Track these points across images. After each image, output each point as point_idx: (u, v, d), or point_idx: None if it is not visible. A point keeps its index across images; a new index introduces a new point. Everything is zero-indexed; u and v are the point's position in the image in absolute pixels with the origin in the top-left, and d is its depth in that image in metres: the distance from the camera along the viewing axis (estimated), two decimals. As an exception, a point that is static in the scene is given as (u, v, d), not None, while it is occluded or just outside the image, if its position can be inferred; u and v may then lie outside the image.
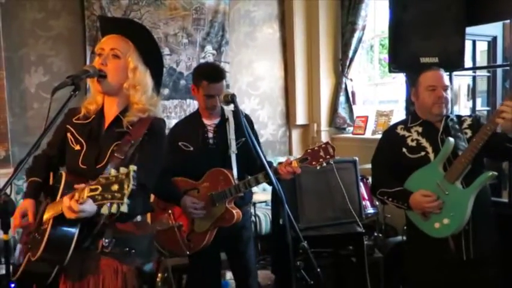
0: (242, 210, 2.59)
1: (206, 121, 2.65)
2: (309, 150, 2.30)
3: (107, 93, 1.79)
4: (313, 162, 2.28)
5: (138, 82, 1.77)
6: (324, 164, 2.28)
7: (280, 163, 2.40)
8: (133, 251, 1.73)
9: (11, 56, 4.01)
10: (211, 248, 2.56)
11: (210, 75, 2.55)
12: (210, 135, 2.62)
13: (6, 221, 1.58)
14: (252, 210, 3.41)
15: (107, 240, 1.68)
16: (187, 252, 2.57)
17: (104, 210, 1.38)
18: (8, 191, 1.58)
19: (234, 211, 2.50)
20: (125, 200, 1.34)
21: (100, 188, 1.37)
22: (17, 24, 4.07)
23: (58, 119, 1.69)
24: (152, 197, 2.62)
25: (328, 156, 2.27)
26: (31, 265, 1.67)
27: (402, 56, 3.19)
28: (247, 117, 2.73)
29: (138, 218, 1.79)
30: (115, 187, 1.35)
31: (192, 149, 2.60)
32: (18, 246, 1.80)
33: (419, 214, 2.27)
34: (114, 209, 1.35)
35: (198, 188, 2.59)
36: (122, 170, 1.36)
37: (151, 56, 1.85)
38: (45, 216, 1.67)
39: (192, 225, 2.57)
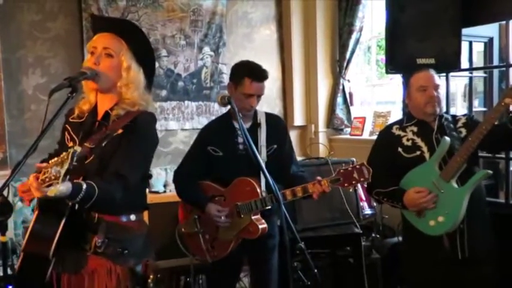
0: (268, 219, 2.49)
1: (237, 124, 2.45)
2: (341, 171, 2.21)
3: (100, 91, 1.80)
4: (346, 184, 2.19)
5: (131, 81, 1.79)
6: (357, 187, 2.19)
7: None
8: (126, 251, 1.73)
9: (8, 57, 4.00)
10: (234, 255, 2.49)
11: (254, 73, 2.44)
12: (240, 140, 2.48)
13: (3, 222, 1.58)
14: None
15: (99, 241, 1.68)
16: (210, 260, 2.49)
17: (50, 192, 1.40)
18: (5, 192, 1.59)
19: (259, 225, 2.39)
20: (60, 180, 1.36)
21: (50, 169, 1.41)
22: (14, 25, 4.07)
23: (55, 120, 1.70)
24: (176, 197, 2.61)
25: (362, 179, 2.18)
26: (26, 261, 1.68)
27: (399, 57, 3.21)
28: (279, 121, 2.66)
29: (133, 217, 1.78)
30: (58, 167, 1.37)
31: (221, 154, 2.49)
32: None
33: (414, 212, 2.28)
34: (55, 192, 1.38)
35: (224, 196, 2.49)
36: (69, 150, 1.38)
37: (144, 55, 1.86)
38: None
39: (216, 232, 2.49)
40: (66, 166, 1.35)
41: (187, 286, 3.37)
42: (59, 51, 4.25)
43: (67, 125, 1.86)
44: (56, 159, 1.40)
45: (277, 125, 2.62)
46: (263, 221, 2.44)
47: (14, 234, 3.60)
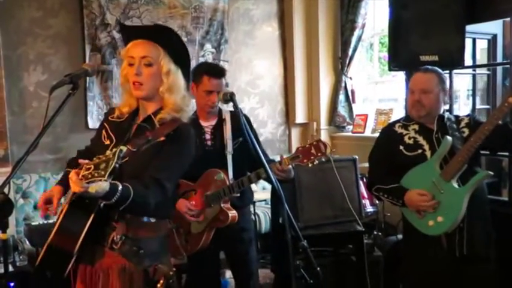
0: (241, 211, 2.57)
1: (203, 123, 2.63)
2: (300, 148, 2.27)
3: (143, 99, 1.81)
4: (304, 160, 2.24)
5: (172, 85, 1.79)
6: (316, 162, 2.23)
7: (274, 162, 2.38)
8: (142, 251, 1.72)
9: (9, 54, 4.00)
10: (209, 250, 2.55)
11: (210, 70, 2.56)
12: (208, 137, 2.62)
13: (4, 220, 1.57)
14: (252, 209, 3.39)
15: (118, 236, 1.69)
16: (184, 254, 2.56)
17: (92, 189, 1.40)
18: (6, 190, 1.58)
19: (229, 212, 2.47)
20: (106, 177, 1.35)
21: (92, 167, 1.40)
22: (15, 22, 4.06)
23: (56, 117, 1.69)
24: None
25: (319, 154, 2.21)
26: (48, 252, 1.68)
27: (402, 54, 3.19)
28: (244, 116, 2.73)
29: (152, 220, 1.77)
30: (103, 165, 1.38)
31: None
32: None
33: (413, 211, 2.27)
34: (97, 188, 1.39)
35: (195, 189, 2.58)
36: (113, 150, 1.39)
37: (180, 56, 1.86)
38: (63, 205, 1.70)
39: (189, 226, 2.56)
40: (112, 165, 1.35)
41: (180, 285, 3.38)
42: (60, 48, 4.25)
43: (105, 124, 1.87)
44: (99, 157, 1.41)
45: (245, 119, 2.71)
46: (233, 209, 2.51)
47: (15, 232, 3.60)
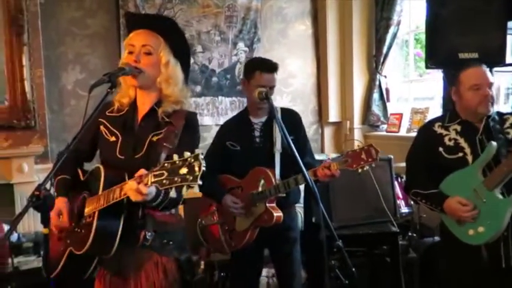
0: (286, 211, 2.53)
1: (253, 119, 2.61)
2: (349, 152, 2.20)
3: (141, 88, 1.81)
4: (354, 165, 2.16)
5: (171, 76, 1.80)
6: (366, 168, 2.14)
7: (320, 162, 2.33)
8: (171, 242, 1.76)
9: (49, 54, 4.12)
10: (254, 247, 2.53)
11: (262, 65, 2.54)
12: (257, 133, 2.59)
13: (47, 215, 1.62)
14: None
15: (148, 234, 1.71)
16: (228, 251, 2.57)
17: (173, 193, 1.40)
18: (47, 186, 1.62)
19: (274, 212, 2.43)
20: (198, 181, 1.35)
21: (166, 173, 1.39)
22: (54, 23, 4.17)
23: (95, 115, 1.72)
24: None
25: (370, 159, 2.13)
26: (70, 262, 1.71)
27: (440, 51, 3.11)
28: (295, 114, 2.70)
29: (173, 211, 1.81)
30: (183, 170, 1.36)
31: (239, 148, 2.59)
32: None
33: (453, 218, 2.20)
34: (184, 191, 1.38)
35: (241, 187, 2.56)
36: (186, 154, 1.38)
37: (181, 49, 1.87)
38: (87, 210, 1.70)
39: (234, 223, 2.55)
40: (201, 169, 1.34)
41: (220, 281, 3.39)
42: (98, 47, 4.34)
43: (102, 119, 1.85)
44: (169, 162, 1.39)
45: (292, 118, 2.68)
46: (278, 209, 2.47)
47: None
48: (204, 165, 1.36)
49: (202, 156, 1.37)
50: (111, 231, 1.62)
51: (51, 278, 1.74)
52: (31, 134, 3.86)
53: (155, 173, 1.41)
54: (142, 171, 1.51)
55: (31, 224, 3.68)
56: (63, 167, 1.82)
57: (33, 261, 3.33)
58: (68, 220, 1.75)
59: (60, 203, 1.78)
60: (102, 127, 1.84)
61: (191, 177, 1.35)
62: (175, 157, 1.39)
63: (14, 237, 3.44)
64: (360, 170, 2.17)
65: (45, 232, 1.75)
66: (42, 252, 3.31)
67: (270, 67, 2.54)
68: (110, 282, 1.77)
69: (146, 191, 1.48)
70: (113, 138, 1.79)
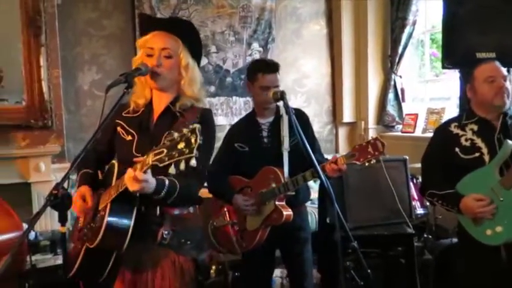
0: (298, 210, 2.54)
1: (261, 120, 2.64)
2: (356, 146, 2.20)
3: (159, 90, 1.83)
4: (361, 159, 2.16)
5: (192, 78, 1.82)
6: (373, 161, 2.14)
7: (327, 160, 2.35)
8: (189, 242, 1.77)
9: (66, 55, 4.16)
10: (265, 247, 2.54)
11: (263, 66, 2.57)
12: (264, 134, 2.62)
13: (64, 213, 1.64)
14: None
15: (166, 232, 1.72)
16: (239, 251, 2.58)
17: (171, 170, 1.39)
18: (65, 185, 1.64)
19: (283, 210, 2.44)
20: (194, 152, 1.34)
21: (165, 150, 1.39)
22: (71, 24, 4.22)
23: (112, 115, 1.74)
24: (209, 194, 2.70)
25: (377, 153, 2.12)
26: (87, 259, 1.72)
27: (457, 51, 3.08)
28: (300, 113, 2.70)
29: (191, 209, 1.82)
30: (181, 145, 1.36)
31: (247, 149, 2.61)
32: (71, 244, 1.85)
33: (470, 218, 2.17)
34: (182, 166, 1.37)
35: (250, 186, 2.59)
36: (185, 130, 1.37)
37: (197, 50, 1.89)
38: (101, 204, 1.72)
39: (244, 223, 2.57)
40: (197, 141, 1.34)
41: (235, 281, 3.40)
42: (113, 48, 4.38)
43: (119, 120, 1.87)
44: (170, 139, 1.40)
45: (299, 117, 2.68)
46: (288, 208, 2.47)
47: (70, 225, 3.75)
48: (201, 138, 1.35)
49: (199, 129, 1.36)
50: (123, 225, 1.62)
51: (70, 277, 1.76)
52: (48, 134, 3.91)
53: (156, 151, 1.41)
54: (140, 159, 1.50)
55: (48, 222, 3.73)
56: (85, 162, 1.86)
57: (49, 260, 3.37)
58: (91, 204, 1.76)
59: (84, 188, 1.80)
60: (119, 128, 1.86)
61: (187, 150, 1.35)
62: (175, 134, 1.39)
63: (31, 235, 3.49)
64: (367, 164, 2.16)
65: (63, 231, 1.77)
66: (59, 251, 3.37)
67: (272, 68, 2.56)
68: (129, 280, 1.78)
69: (142, 177, 1.47)
70: (129, 138, 1.81)
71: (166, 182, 1.60)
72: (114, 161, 1.81)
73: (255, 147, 2.60)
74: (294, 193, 2.46)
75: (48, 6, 3.85)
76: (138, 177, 1.49)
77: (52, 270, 3.15)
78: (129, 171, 1.51)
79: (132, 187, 1.51)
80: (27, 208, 3.69)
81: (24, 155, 3.79)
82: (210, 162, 2.73)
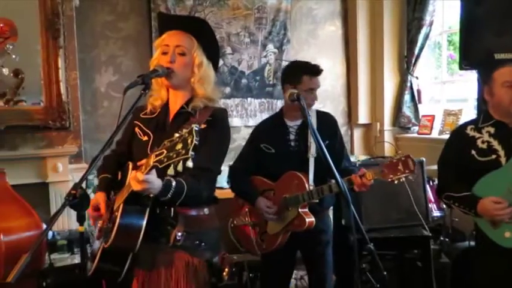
0: (319, 215, 2.53)
1: (289, 122, 2.61)
2: (387, 163, 2.17)
3: (173, 88, 1.84)
4: (390, 176, 2.12)
5: (204, 76, 1.83)
6: (402, 179, 2.11)
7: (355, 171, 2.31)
8: (203, 244, 1.77)
9: (83, 57, 4.21)
10: (286, 249, 2.53)
11: (309, 69, 2.56)
12: (292, 137, 2.59)
13: (82, 213, 1.66)
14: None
15: (179, 234, 1.72)
16: (259, 252, 2.58)
17: (170, 171, 1.40)
18: (83, 185, 1.66)
19: (306, 218, 2.42)
20: (190, 153, 1.35)
21: (165, 151, 1.40)
22: (88, 26, 4.27)
23: (129, 116, 1.76)
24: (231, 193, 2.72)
25: (407, 171, 2.09)
26: (104, 259, 1.74)
27: (474, 52, 3.04)
28: (330, 118, 2.69)
29: (206, 211, 1.82)
30: (179, 146, 1.37)
31: (273, 151, 2.59)
32: (96, 242, 1.88)
33: (488, 221, 2.14)
34: (179, 167, 1.38)
35: (274, 190, 2.57)
36: (184, 130, 1.38)
37: (212, 50, 1.89)
38: (116, 205, 1.74)
39: (265, 225, 2.56)
40: (193, 141, 1.34)
41: (250, 281, 3.40)
42: (130, 50, 4.42)
43: (137, 121, 1.90)
44: (169, 140, 1.40)
45: (328, 122, 2.67)
46: (311, 215, 2.46)
47: (87, 224, 3.80)
48: (197, 139, 1.35)
49: (197, 130, 1.36)
50: (135, 225, 1.64)
51: (90, 276, 1.78)
52: (66, 135, 3.96)
53: (157, 152, 1.42)
54: (143, 161, 1.52)
55: (65, 222, 3.78)
56: (106, 167, 1.92)
57: (66, 259, 3.41)
58: (105, 212, 1.78)
59: (98, 195, 1.84)
60: (136, 129, 1.89)
61: (184, 151, 1.35)
62: (175, 135, 1.40)
63: (49, 234, 3.54)
64: (396, 182, 2.13)
65: (81, 230, 1.80)
66: (76, 250, 3.41)
67: (317, 70, 2.57)
68: (143, 281, 1.80)
69: (142, 178, 1.48)
70: (145, 138, 1.84)
71: (173, 183, 1.60)
72: (129, 162, 1.83)
73: (282, 150, 2.57)
74: (317, 201, 2.43)
75: (66, 9, 3.90)
76: (138, 178, 1.49)
77: (69, 269, 3.19)
78: (132, 172, 1.53)
79: (135, 187, 1.52)
80: (45, 207, 3.74)
81: (42, 155, 3.84)
82: (234, 161, 2.75)
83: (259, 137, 2.66)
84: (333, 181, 2.29)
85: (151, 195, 1.62)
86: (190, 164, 1.37)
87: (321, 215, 2.56)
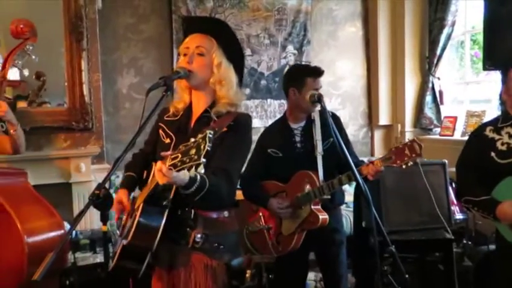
0: (332, 212, 2.54)
1: (293, 125, 2.66)
2: (393, 149, 2.19)
3: (194, 88, 1.86)
4: (398, 161, 2.15)
5: (223, 77, 1.83)
6: (410, 163, 2.13)
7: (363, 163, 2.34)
8: (222, 246, 1.77)
9: (105, 59, 4.28)
10: (298, 251, 2.54)
11: (311, 71, 2.61)
12: (297, 138, 2.63)
13: (105, 213, 1.69)
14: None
15: (198, 236, 1.73)
16: (275, 255, 2.60)
17: (183, 175, 1.42)
18: (106, 185, 1.69)
19: (319, 214, 2.44)
20: (202, 160, 1.35)
21: (180, 156, 1.41)
22: (110, 29, 4.34)
23: (151, 117, 1.78)
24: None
25: (414, 155, 2.11)
26: (124, 257, 1.76)
27: (498, 52, 3.00)
28: (334, 116, 2.70)
29: (226, 213, 1.82)
30: (192, 151, 1.38)
31: (281, 155, 2.63)
32: (119, 240, 1.90)
33: (508, 225, 2.10)
34: (192, 173, 1.39)
35: (286, 191, 2.60)
36: (199, 136, 1.39)
37: (234, 52, 1.90)
38: (137, 203, 1.77)
39: (280, 227, 2.58)
40: (205, 148, 1.36)
41: (268, 283, 3.40)
42: (151, 52, 4.47)
43: (161, 124, 1.92)
44: (184, 145, 1.42)
45: (333, 121, 2.65)
46: (324, 212, 2.47)
47: (109, 224, 3.85)
48: (210, 145, 1.36)
49: (211, 136, 1.37)
50: (153, 225, 1.65)
51: (110, 272, 1.80)
52: (88, 135, 4.02)
53: (172, 156, 1.44)
54: (166, 153, 1.52)
55: (87, 221, 3.84)
56: (132, 165, 1.96)
57: (89, 258, 3.46)
58: (128, 206, 1.81)
59: (121, 192, 1.87)
60: (160, 130, 1.91)
61: (196, 157, 1.36)
62: (191, 140, 1.41)
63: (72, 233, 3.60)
64: (404, 166, 2.15)
65: (104, 229, 1.83)
66: (98, 249, 3.46)
67: (319, 71, 2.61)
68: (163, 279, 1.81)
69: (165, 170, 1.47)
70: (168, 140, 1.85)
71: (198, 177, 1.60)
72: (153, 163, 1.85)
73: (289, 153, 2.61)
74: (329, 197, 2.45)
75: (89, 12, 3.96)
76: (162, 170, 1.48)
77: (92, 268, 3.24)
78: (158, 163, 1.52)
79: (161, 180, 1.51)
80: (68, 207, 3.81)
81: (65, 156, 3.91)
82: (245, 168, 2.77)
83: (266, 143, 2.70)
84: (341, 175, 2.34)
85: (171, 197, 1.64)
86: (201, 170, 1.39)
87: (333, 212, 2.57)
